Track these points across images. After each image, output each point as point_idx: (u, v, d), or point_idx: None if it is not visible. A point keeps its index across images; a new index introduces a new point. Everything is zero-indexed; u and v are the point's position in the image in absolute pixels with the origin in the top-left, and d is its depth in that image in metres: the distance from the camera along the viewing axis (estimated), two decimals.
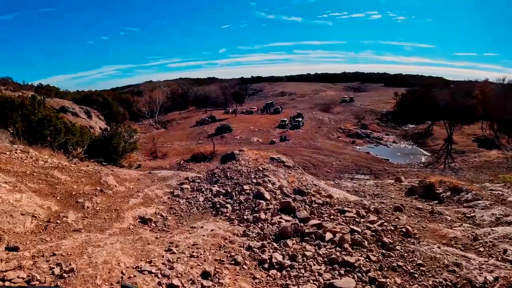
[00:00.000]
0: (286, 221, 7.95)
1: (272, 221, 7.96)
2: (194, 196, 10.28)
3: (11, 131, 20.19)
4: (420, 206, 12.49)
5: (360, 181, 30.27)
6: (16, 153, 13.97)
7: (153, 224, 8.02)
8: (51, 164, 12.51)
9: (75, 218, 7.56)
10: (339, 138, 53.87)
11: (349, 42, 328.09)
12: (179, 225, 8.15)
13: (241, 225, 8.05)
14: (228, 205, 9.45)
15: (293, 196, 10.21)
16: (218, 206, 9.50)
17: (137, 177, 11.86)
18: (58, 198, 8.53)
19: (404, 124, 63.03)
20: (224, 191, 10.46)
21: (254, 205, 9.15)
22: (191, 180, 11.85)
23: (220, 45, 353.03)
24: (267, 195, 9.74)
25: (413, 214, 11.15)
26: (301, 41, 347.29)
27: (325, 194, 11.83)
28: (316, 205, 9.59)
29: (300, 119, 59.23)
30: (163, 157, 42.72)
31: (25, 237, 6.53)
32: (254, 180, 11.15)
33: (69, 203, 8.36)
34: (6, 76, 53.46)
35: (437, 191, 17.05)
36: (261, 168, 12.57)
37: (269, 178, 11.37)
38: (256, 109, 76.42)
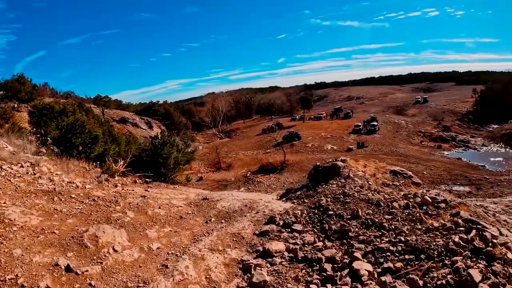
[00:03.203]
0: None
1: None
2: None
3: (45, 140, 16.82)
4: None
5: (503, 199, 22.36)
6: (22, 166, 9.66)
7: None
8: (52, 185, 7.69)
9: None
10: (423, 143, 47.67)
11: (409, 43, 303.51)
12: None
13: None
14: None
15: None
16: None
17: (179, 213, 6.35)
18: None
19: (486, 124, 55.67)
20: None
21: None
22: (279, 221, 5.88)
23: (278, 54, 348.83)
24: None
25: None
26: (360, 45, 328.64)
27: None
28: None
29: (375, 123, 53.38)
30: (227, 168, 38.09)
31: None
32: (456, 239, 4.63)
33: None
34: (68, 90, 55.26)
35: None
36: (428, 199, 6.05)
37: (490, 231, 4.78)
38: (324, 114, 70.50)
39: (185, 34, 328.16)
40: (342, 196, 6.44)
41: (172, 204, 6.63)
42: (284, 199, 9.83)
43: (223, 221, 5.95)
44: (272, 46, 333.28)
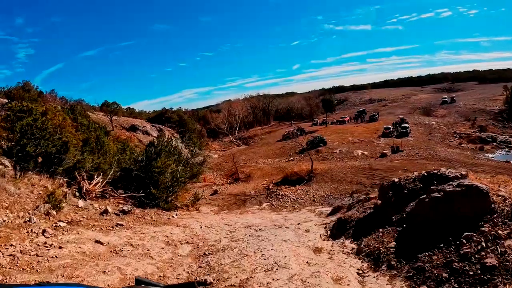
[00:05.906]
0: None
1: None
2: None
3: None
4: None
5: None
6: None
7: None
8: None
9: None
10: (462, 145, 44.35)
11: (423, 45, 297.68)
12: None
13: None
14: None
15: None
16: None
17: None
18: None
19: None
20: None
21: None
22: None
23: (293, 61, 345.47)
24: None
25: None
26: (374, 49, 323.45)
27: None
28: None
29: (407, 125, 49.79)
30: (246, 179, 33.81)
31: None
32: None
33: None
34: (78, 98, 54.01)
35: None
36: None
37: None
38: (348, 118, 66.53)
39: (200, 44, 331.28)
40: None
41: None
42: (356, 248, 5.35)
43: None
44: (286, 53, 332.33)
